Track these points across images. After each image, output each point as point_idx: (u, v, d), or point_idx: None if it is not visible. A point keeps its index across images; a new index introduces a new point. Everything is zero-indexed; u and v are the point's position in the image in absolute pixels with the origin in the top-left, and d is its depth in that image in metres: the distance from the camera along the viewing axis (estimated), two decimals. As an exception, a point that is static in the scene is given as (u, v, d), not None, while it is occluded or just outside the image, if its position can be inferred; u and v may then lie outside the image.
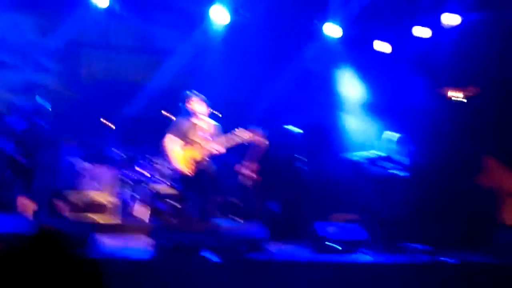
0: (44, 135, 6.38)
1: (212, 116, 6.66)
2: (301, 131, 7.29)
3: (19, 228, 5.08)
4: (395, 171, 6.87)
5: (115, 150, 8.30)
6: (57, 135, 6.54)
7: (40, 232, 2.40)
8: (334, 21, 8.67)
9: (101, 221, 6.81)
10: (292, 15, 8.88)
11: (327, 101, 8.95)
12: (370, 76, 8.78)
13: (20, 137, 6.31)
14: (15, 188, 6.22)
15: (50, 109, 6.56)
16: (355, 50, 8.88)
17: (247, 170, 7.77)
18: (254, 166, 7.75)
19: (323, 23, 8.75)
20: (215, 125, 6.54)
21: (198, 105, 6.45)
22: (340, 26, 8.70)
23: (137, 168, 8.16)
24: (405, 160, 6.93)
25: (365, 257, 5.84)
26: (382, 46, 8.67)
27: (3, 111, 8.78)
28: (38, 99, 6.72)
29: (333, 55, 9.04)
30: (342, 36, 8.80)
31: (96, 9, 8.51)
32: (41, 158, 6.36)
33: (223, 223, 6.51)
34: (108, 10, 8.61)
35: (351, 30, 8.72)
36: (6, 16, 8.84)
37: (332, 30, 8.76)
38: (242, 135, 6.39)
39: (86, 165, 7.99)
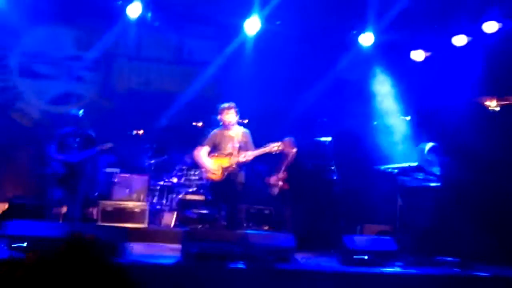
0: (94, 144, 6.59)
1: (243, 124, 6.69)
2: (329, 139, 7.24)
3: (53, 233, 5.21)
4: (426, 182, 6.77)
5: (147, 159, 8.45)
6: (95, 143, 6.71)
7: (73, 237, 2.46)
8: (370, 30, 8.65)
9: (131, 228, 6.92)
10: (326, 24, 8.86)
11: (360, 110, 8.90)
12: (405, 84, 8.70)
13: (72, 146, 6.53)
14: (56, 196, 6.40)
15: (84, 117, 6.74)
16: (391, 59, 8.82)
17: (275, 179, 7.79)
18: (283, 174, 7.76)
19: (360, 32, 8.73)
20: (244, 132, 6.57)
21: (229, 116, 6.49)
22: (375, 34, 8.66)
23: (167, 178, 8.29)
24: (437, 170, 6.82)
25: (394, 269, 5.76)
26: (418, 54, 8.59)
27: (40, 120, 9.09)
28: (74, 109, 6.92)
29: (368, 64, 9.00)
30: (377, 45, 8.76)
31: (129, 21, 8.72)
32: (87, 167, 6.56)
33: (251, 232, 6.52)
34: (141, 21, 8.79)
35: (386, 38, 8.67)
36: (44, 29, 9.11)
37: (368, 39, 8.73)
38: (271, 145, 6.41)
39: (118, 172, 8.15)
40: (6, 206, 7.28)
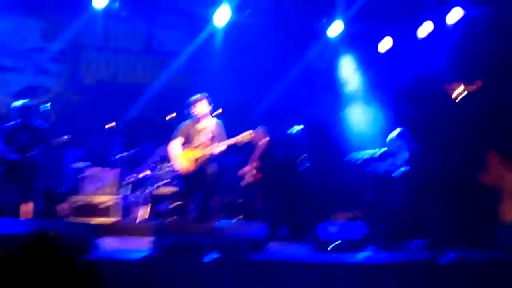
0: (46, 137, 6.38)
1: (216, 115, 6.65)
2: (301, 127, 7.27)
3: (20, 230, 5.11)
4: (395, 167, 6.85)
5: (117, 152, 8.33)
6: (59, 136, 6.52)
7: (40, 234, 2.41)
8: (339, 18, 8.66)
9: (103, 223, 6.83)
10: (296, 14, 8.86)
11: (330, 99, 8.94)
12: (372, 71, 8.77)
13: (20, 139, 6.32)
14: (16, 191, 6.23)
15: (50, 110, 6.56)
16: (358, 47, 8.86)
17: (248, 168, 7.80)
18: (255, 163, 7.76)
19: (330, 21, 8.74)
20: (216, 122, 6.53)
21: (201, 107, 6.44)
22: (344, 23, 8.69)
23: (138, 171, 8.20)
24: (405, 155, 6.90)
25: (366, 255, 5.83)
26: (385, 43, 8.65)
27: (6, 114, 8.88)
28: (39, 100, 6.73)
29: (337, 53, 9.02)
30: (345, 33, 8.78)
31: (96, 11, 8.55)
32: (42, 161, 6.36)
33: (225, 223, 6.51)
34: (107, 12, 8.64)
35: (354, 27, 8.70)
36: (8, 20, 8.89)
37: (337, 27, 8.74)
38: (243, 134, 6.39)
39: (87, 167, 8.02)
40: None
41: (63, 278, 2.24)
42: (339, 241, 5.89)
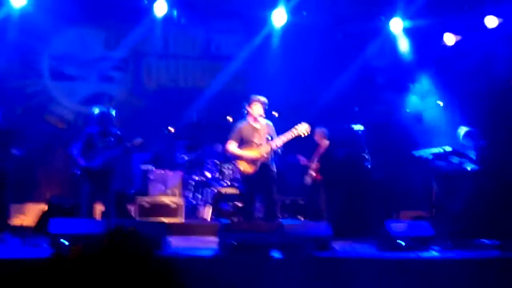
0: (122, 142, 6.60)
1: (269, 117, 6.69)
2: (362, 128, 7.21)
3: (93, 230, 5.32)
4: (462, 166, 6.67)
5: (180, 155, 8.54)
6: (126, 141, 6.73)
7: (115, 231, 2.50)
8: (399, 15, 8.55)
9: (169, 223, 7.00)
10: (353, 13, 8.78)
11: (391, 97, 8.80)
12: (438, 69, 8.56)
13: (99, 145, 6.55)
14: (92, 193, 6.46)
15: (115, 115, 6.77)
16: (421, 44, 8.68)
17: (309, 169, 7.79)
18: (315, 165, 7.75)
19: (389, 18, 8.63)
20: (268, 124, 6.57)
21: (258, 108, 6.50)
22: (404, 20, 8.55)
23: (201, 172, 8.36)
24: (472, 154, 6.72)
25: (433, 254, 5.71)
26: (449, 38, 8.43)
27: (73, 121, 9.26)
28: (104, 107, 6.95)
29: (398, 50, 8.88)
30: (408, 30, 8.64)
31: (156, 19, 8.80)
32: (115, 164, 6.58)
33: (288, 221, 6.53)
34: (167, 19, 8.87)
35: (416, 24, 8.55)
36: (72, 31, 9.27)
37: (398, 25, 8.62)
38: (298, 128, 6.40)
39: (153, 169, 8.25)
40: (45, 207, 7.45)
41: (139, 273, 2.31)
42: (403, 242, 5.78)
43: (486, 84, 7.70)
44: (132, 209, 7.69)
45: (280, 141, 6.40)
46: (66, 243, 5.23)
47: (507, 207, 6.76)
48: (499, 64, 7.65)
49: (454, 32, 8.40)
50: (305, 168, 7.88)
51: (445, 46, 8.47)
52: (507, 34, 7.66)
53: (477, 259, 5.52)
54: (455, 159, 6.75)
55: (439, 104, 7.88)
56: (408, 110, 8.52)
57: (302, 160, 7.93)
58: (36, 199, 7.98)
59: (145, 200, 7.77)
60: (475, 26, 8.07)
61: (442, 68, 8.48)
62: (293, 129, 6.39)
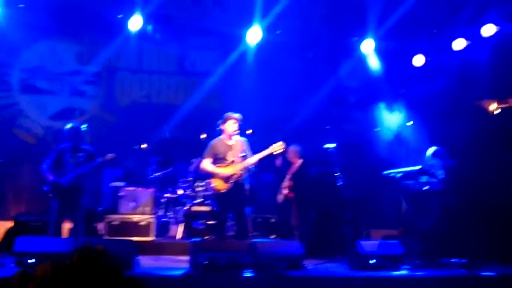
0: (93, 158, 6.50)
1: (245, 135, 6.70)
2: (334, 145, 7.29)
3: (60, 248, 5.20)
4: (430, 185, 6.78)
5: (152, 172, 8.45)
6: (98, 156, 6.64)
7: (83, 251, 2.46)
8: (371, 36, 8.71)
9: (139, 241, 6.90)
10: (326, 33, 8.91)
11: (362, 117, 8.91)
12: (408, 90, 8.73)
13: (69, 161, 6.45)
14: (61, 211, 6.34)
15: (87, 131, 6.68)
16: (391, 64, 8.85)
17: (282, 187, 7.80)
18: (288, 183, 7.77)
19: (361, 39, 8.77)
20: (242, 141, 6.58)
21: (233, 126, 6.50)
22: (376, 41, 8.72)
23: (173, 190, 8.29)
24: (441, 173, 6.84)
25: (402, 272, 5.76)
26: (419, 59, 8.63)
27: (43, 136, 9.10)
28: (76, 123, 6.86)
29: (370, 70, 9.02)
30: (378, 50, 8.80)
31: (130, 34, 8.76)
32: (84, 181, 6.47)
33: (260, 240, 6.51)
34: (141, 34, 8.84)
35: (387, 44, 8.71)
36: (44, 44, 9.16)
37: (369, 45, 8.77)
38: (273, 146, 6.44)
39: (124, 186, 8.14)
40: (11, 224, 7.27)
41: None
42: (374, 260, 5.82)
43: (454, 105, 7.88)
44: (101, 227, 7.56)
45: (254, 158, 6.41)
46: (33, 261, 5.10)
47: (473, 226, 6.90)
48: (467, 85, 7.85)
49: (423, 54, 8.59)
50: (278, 186, 7.89)
51: (414, 67, 8.65)
52: (474, 57, 7.86)
53: (445, 277, 5.60)
54: (423, 178, 6.86)
55: (409, 124, 8.00)
56: (378, 129, 8.63)
57: (278, 162, 7.91)
58: (2, 216, 7.79)
59: (115, 218, 7.65)
60: (443, 49, 8.27)
61: (411, 88, 8.64)
62: (268, 149, 6.42)
